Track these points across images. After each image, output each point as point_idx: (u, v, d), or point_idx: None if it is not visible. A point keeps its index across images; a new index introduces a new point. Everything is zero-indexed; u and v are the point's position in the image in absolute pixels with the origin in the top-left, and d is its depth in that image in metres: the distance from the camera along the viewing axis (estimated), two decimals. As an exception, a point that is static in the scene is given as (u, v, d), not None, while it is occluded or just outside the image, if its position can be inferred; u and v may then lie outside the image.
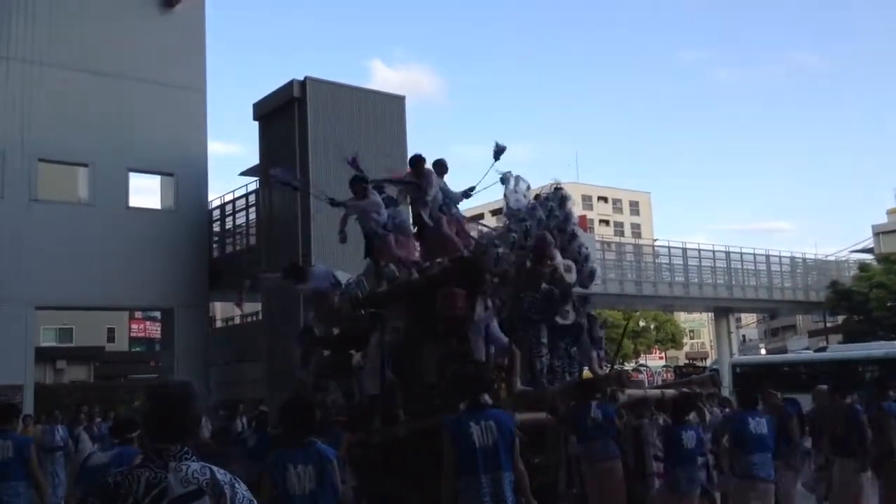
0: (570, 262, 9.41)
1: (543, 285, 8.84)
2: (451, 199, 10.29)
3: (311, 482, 4.75)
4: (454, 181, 11.39)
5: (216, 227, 28.44)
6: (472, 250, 9.31)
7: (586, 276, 9.80)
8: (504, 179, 9.88)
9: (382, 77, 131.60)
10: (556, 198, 9.75)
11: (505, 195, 9.81)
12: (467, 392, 5.57)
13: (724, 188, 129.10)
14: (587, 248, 10.01)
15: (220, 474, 2.40)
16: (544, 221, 9.40)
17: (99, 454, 5.76)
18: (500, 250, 8.63)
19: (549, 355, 8.95)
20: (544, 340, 8.75)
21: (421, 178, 9.94)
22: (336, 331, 10.25)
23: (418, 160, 10.09)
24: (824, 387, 10.02)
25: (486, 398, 5.59)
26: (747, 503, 7.58)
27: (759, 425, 7.61)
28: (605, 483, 7.75)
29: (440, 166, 10.32)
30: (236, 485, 2.41)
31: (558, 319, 8.88)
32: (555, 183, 10.06)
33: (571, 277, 9.33)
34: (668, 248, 37.84)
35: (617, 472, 7.79)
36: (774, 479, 7.78)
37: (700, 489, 7.61)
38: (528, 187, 9.90)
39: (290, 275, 10.50)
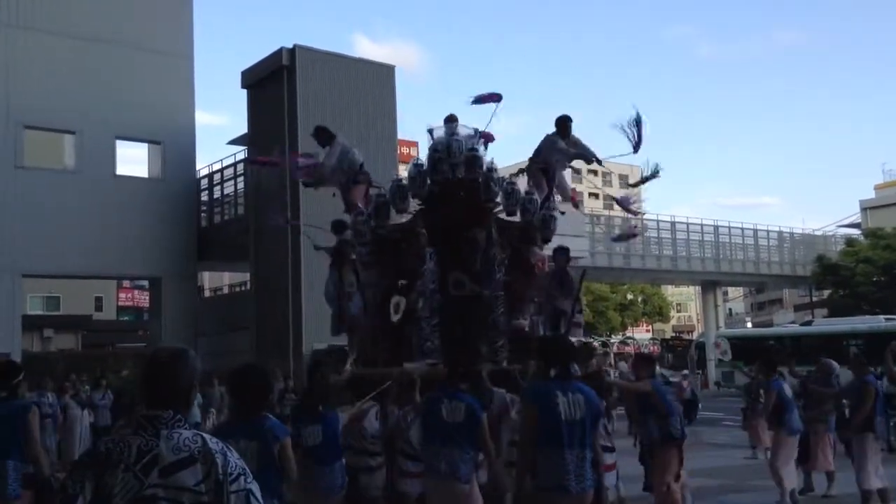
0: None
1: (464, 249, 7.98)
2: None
3: (254, 461, 4.13)
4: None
5: (204, 197, 28.26)
6: None
7: (541, 227, 8.53)
8: (438, 128, 8.34)
9: (367, 52, 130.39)
10: (444, 144, 7.94)
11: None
12: (554, 360, 4.99)
13: (713, 163, 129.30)
14: (531, 193, 8.50)
15: (213, 442, 2.39)
16: (420, 175, 8.13)
17: None
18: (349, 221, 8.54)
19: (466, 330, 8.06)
20: (426, 315, 8.11)
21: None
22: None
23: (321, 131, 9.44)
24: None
25: (576, 369, 5.18)
26: None
27: None
28: None
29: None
30: (228, 453, 2.40)
31: (452, 290, 8.01)
32: (451, 116, 8.21)
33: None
34: (657, 221, 37.86)
35: (449, 497, 5.61)
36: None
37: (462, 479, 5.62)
38: (476, 134, 8.37)
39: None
